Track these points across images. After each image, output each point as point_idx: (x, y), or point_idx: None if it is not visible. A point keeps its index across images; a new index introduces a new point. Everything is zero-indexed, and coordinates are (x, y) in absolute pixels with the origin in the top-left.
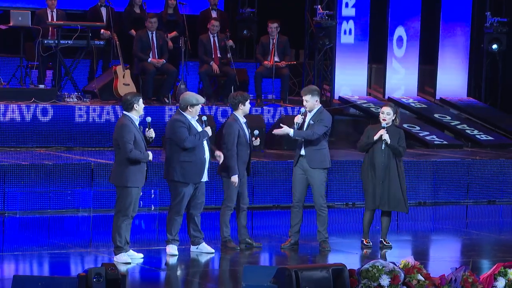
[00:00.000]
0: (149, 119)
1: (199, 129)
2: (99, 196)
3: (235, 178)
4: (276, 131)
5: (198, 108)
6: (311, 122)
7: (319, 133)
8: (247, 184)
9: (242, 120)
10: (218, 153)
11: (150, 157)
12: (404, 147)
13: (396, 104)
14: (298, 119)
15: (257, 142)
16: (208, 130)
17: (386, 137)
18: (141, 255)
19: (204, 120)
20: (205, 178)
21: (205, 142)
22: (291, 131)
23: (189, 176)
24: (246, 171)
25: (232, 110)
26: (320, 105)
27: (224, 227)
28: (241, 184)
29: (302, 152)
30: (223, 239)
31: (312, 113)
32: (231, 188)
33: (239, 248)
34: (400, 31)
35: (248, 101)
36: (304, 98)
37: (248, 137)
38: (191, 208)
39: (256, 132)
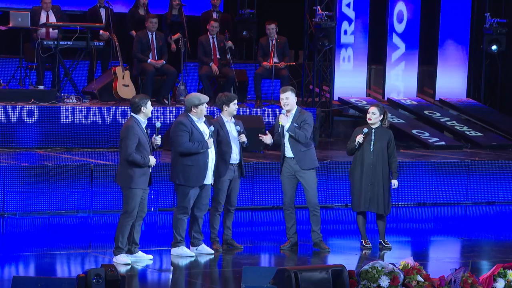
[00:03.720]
0: (158, 124)
1: (206, 130)
2: (98, 197)
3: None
4: (264, 140)
5: (202, 108)
6: (295, 125)
7: (309, 135)
8: (240, 184)
9: (228, 120)
10: None
11: (152, 162)
12: (394, 148)
13: (395, 105)
14: (283, 120)
15: (242, 138)
16: (210, 142)
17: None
18: (151, 256)
19: (211, 131)
20: (209, 180)
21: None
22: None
23: (192, 180)
24: (240, 173)
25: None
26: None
27: (211, 228)
28: (225, 185)
29: (289, 154)
30: (210, 239)
31: (292, 114)
32: (218, 190)
33: (221, 250)
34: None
35: (234, 101)
36: (284, 95)
37: (229, 137)
38: (195, 210)
39: (237, 128)
